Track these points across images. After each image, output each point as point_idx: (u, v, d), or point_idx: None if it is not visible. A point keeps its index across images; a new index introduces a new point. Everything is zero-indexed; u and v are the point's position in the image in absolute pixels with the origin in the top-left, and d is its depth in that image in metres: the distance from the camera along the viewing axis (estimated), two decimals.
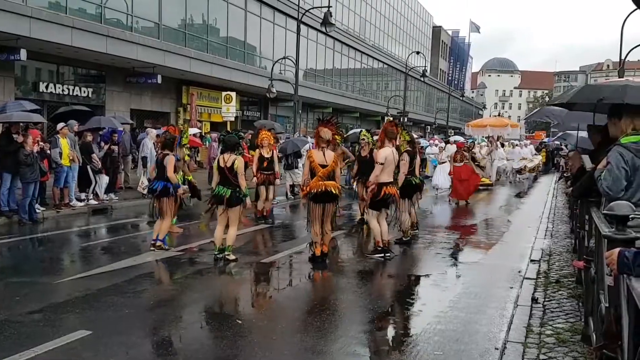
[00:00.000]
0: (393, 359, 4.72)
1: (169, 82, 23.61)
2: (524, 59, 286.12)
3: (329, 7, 23.01)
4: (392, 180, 8.38)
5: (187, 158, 10.37)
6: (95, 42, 17.70)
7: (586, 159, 5.91)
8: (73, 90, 19.61)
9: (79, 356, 4.47)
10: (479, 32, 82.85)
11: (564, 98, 5.88)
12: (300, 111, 26.34)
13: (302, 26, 25.10)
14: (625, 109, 4.25)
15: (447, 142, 22.12)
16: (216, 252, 7.79)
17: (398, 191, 8.69)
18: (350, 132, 20.03)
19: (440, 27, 72.78)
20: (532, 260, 8.16)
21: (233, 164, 7.66)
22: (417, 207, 10.30)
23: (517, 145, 26.14)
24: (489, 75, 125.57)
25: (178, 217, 10.17)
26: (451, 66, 77.51)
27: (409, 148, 9.62)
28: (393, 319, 5.87)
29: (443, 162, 17.84)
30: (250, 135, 16.69)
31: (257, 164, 11.43)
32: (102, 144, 13.40)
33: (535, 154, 27.87)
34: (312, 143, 13.28)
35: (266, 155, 11.41)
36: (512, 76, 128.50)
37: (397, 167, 9.04)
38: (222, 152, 8.00)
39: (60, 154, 11.61)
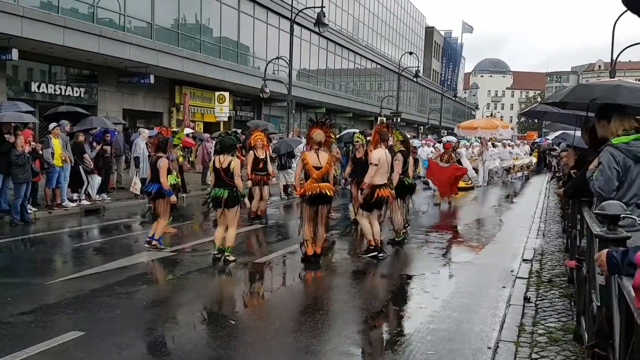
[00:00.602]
0: (386, 359, 4.74)
1: (162, 82, 23.54)
2: (518, 60, 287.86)
3: (322, 7, 23.04)
4: (385, 182, 8.39)
5: (180, 159, 10.35)
6: (88, 41, 17.63)
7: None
8: (65, 90, 19.51)
9: (71, 357, 4.45)
10: (472, 33, 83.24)
11: (556, 97, 5.91)
12: (293, 111, 26.34)
13: (295, 26, 25.10)
14: (614, 111, 4.28)
15: (440, 142, 22.17)
16: (215, 252, 7.79)
17: (393, 192, 8.71)
18: (344, 132, 20.05)
19: (433, 27, 72.97)
20: (524, 260, 8.20)
21: (229, 165, 7.66)
22: (410, 207, 10.31)
23: (508, 145, 26.24)
24: (482, 76, 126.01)
25: (172, 218, 10.15)
26: (444, 67, 77.75)
27: (402, 148, 9.65)
28: (386, 318, 5.88)
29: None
30: (244, 136, 16.68)
31: (251, 165, 11.43)
32: (95, 144, 13.34)
33: (526, 153, 28.01)
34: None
35: (260, 157, 11.41)
36: (504, 77, 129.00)
37: (391, 167, 9.07)
38: (217, 153, 8.00)
39: (53, 154, 11.56)
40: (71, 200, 12.40)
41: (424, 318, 5.61)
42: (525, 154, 27.96)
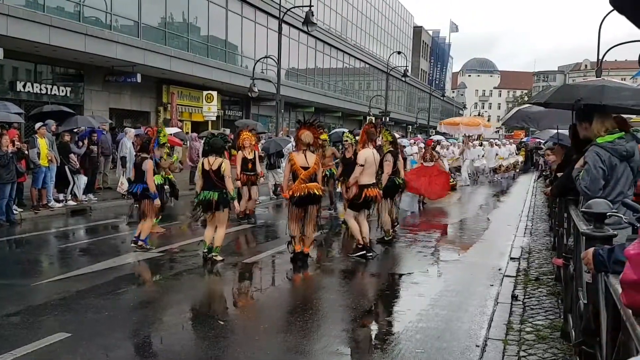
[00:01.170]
0: (376, 357, 4.74)
1: (149, 81, 23.38)
2: (507, 60, 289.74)
3: (310, 6, 23.00)
4: (373, 181, 8.40)
5: (166, 157, 10.28)
6: (74, 40, 17.46)
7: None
8: (51, 89, 19.32)
9: (58, 359, 4.41)
10: (457, 32, 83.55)
11: (542, 97, 5.95)
12: (282, 111, 26.26)
13: (283, 25, 25.03)
14: (595, 112, 4.31)
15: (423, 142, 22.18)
16: (205, 251, 7.74)
17: (381, 192, 8.72)
18: (332, 131, 20.05)
19: (421, 27, 73.18)
20: (511, 258, 8.26)
21: (220, 167, 7.60)
22: (398, 206, 10.33)
23: (495, 144, 26.41)
24: (469, 76, 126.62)
25: (161, 217, 10.10)
26: (432, 66, 78.01)
27: (391, 148, 9.65)
28: (375, 317, 5.89)
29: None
30: (231, 136, 16.63)
31: (240, 166, 11.39)
32: (80, 143, 13.20)
33: (512, 154, 28.15)
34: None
35: (249, 157, 11.38)
36: (491, 76, 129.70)
37: (381, 167, 9.08)
38: (205, 155, 7.94)
39: (39, 154, 11.45)
40: (57, 201, 12.29)
41: (413, 317, 5.62)
42: (511, 154, 28.13)
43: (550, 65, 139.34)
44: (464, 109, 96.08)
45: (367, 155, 8.28)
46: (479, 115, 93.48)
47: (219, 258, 7.70)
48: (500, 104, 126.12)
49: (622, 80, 7.35)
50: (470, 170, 22.56)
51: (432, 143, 17.28)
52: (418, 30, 71.59)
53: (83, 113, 18.50)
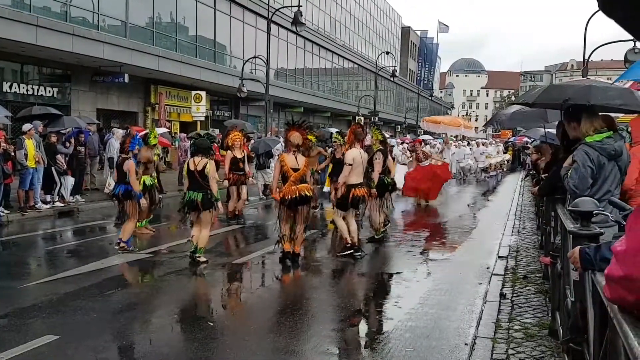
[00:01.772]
0: (365, 357, 4.75)
1: (137, 81, 23.25)
2: (494, 60, 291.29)
3: (299, 6, 23.00)
4: (361, 181, 8.43)
5: (156, 158, 10.23)
6: (61, 40, 17.31)
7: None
8: (38, 90, 19.14)
9: None
10: (447, 32, 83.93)
11: (529, 98, 5.99)
12: (271, 111, 26.23)
13: (272, 25, 24.99)
14: (583, 111, 4.35)
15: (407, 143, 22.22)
16: (192, 251, 7.70)
17: (369, 191, 8.74)
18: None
19: (409, 27, 73.40)
20: (499, 257, 8.31)
21: (204, 167, 7.57)
22: (389, 206, 10.35)
23: (482, 144, 26.56)
24: (457, 76, 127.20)
25: (151, 218, 10.05)
26: (420, 66, 78.27)
27: (381, 147, 9.68)
28: (365, 317, 5.91)
29: (404, 164, 17.32)
30: (220, 136, 16.57)
31: (229, 166, 11.37)
32: (67, 143, 13.09)
33: (499, 152, 28.34)
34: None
35: (238, 156, 11.37)
36: (479, 76, 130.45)
37: (371, 165, 9.11)
38: (192, 155, 7.92)
39: (26, 155, 11.34)
40: (45, 202, 12.18)
41: (402, 316, 5.64)
42: (498, 153, 28.30)
43: (537, 66, 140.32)
44: (452, 109, 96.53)
45: (355, 155, 8.31)
46: (466, 115, 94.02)
47: (203, 259, 7.63)
48: (487, 103, 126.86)
49: (608, 79, 7.43)
50: (456, 170, 22.66)
51: (416, 143, 17.28)
52: (406, 31, 71.82)
53: (70, 114, 18.32)
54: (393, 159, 11.85)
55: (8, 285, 6.55)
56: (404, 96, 68.39)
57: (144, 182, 9.06)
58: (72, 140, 13.16)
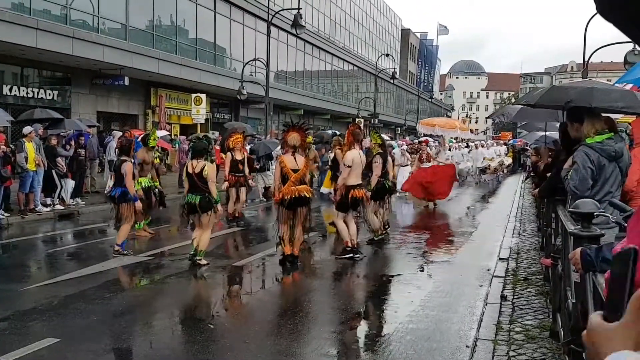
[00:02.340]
0: (366, 359, 4.74)
1: (137, 84, 23.26)
2: (494, 62, 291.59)
3: (298, 9, 23.02)
4: (359, 182, 8.43)
5: (157, 161, 10.23)
6: (61, 43, 17.33)
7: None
8: (38, 93, 19.16)
9: None
10: (447, 34, 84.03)
11: (531, 99, 5.99)
12: (271, 113, 26.24)
13: (272, 28, 25.01)
14: (586, 113, 4.35)
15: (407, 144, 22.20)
16: (192, 253, 7.68)
17: (368, 193, 8.74)
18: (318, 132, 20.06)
19: (409, 29, 73.45)
20: (500, 259, 8.29)
21: (202, 170, 7.56)
22: (389, 208, 10.35)
23: (482, 146, 26.55)
24: (457, 78, 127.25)
25: (150, 220, 10.05)
26: (420, 68, 78.33)
27: (380, 150, 9.68)
28: (366, 319, 5.90)
29: (405, 165, 17.31)
30: (220, 138, 16.58)
31: (229, 167, 11.39)
32: (68, 146, 13.09)
33: (499, 154, 28.29)
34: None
35: (238, 158, 11.39)
36: (479, 78, 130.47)
37: (370, 168, 9.11)
38: (192, 158, 7.92)
39: (26, 158, 11.34)
40: (45, 205, 12.18)
41: (403, 318, 5.63)
42: (499, 155, 28.26)
43: (537, 67, 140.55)
44: (452, 111, 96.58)
45: (354, 156, 8.34)
46: (466, 116, 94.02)
47: (204, 262, 7.61)
48: (487, 105, 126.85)
49: (607, 81, 7.44)
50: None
51: (423, 144, 17.26)
52: (406, 33, 71.86)
53: (70, 117, 18.31)
54: (393, 161, 11.85)
55: (8, 288, 6.55)
56: (404, 98, 68.40)
57: (140, 184, 9.06)
58: (73, 143, 13.17)
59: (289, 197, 7.64)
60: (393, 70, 44.11)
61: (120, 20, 21.38)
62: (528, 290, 6.44)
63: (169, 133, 21.64)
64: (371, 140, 9.82)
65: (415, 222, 13.11)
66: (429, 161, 15.32)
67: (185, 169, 7.83)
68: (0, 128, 12.60)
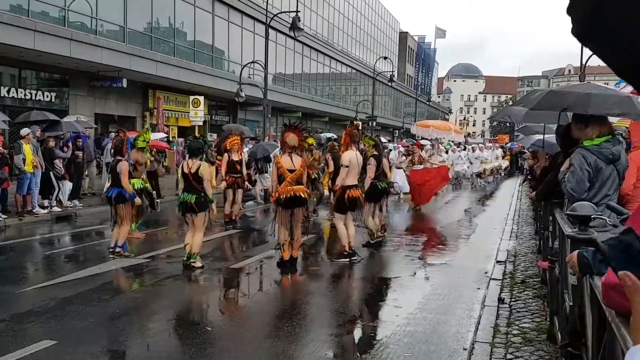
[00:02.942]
0: None
1: (135, 86, 23.25)
2: (491, 66, 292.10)
3: (297, 11, 23.04)
4: (356, 183, 8.45)
5: (148, 163, 10.20)
6: (59, 45, 17.31)
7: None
8: (36, 94, 19.14)
9: None
10: (444, 37, 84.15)
11: (529, 103, 6.00)
12: (269, 115, 26.25)
13: (270, 30, 25.03)
14: (593, 115, 4.36)
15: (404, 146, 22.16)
16: (185, 258, 7.67)
17: (363, 194, 8.74)
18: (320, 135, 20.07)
19: (407, 33, 73.57)
20: (498, 261, 8.31)
21: (198, 170, 7.56)
22: (385, 210, 10.35)
23: (479, 148, 26.57)
24: (454, 81, 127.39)
25: (143, 223, 10.02)
26: (418, 71, 78.46)
27: (375, 152, 9.68)
28: (363, 321, 5.89)
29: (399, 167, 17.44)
30: (217, 140, 16.57)
31: (225, 168, 11.40)
32: (65, 148, 13.07)
33: (497, 157, 28.30)
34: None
35: (235, 159, 11.41)
36: (476, 81, 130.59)
37: (364, 170, 9.11)
38: (187, 158, 7.92)
39: (24, 160, 11.32)
40: (42, 207, 12.15)
41: (400, 320, 5.63)
42: (497, 158, 28.28)
43: (534, 70, 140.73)
44: (450, 114, 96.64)
45: (351, 156, 8.38)
46: (464, 119, 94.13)
47: (198, 264, 7.57)
48: (485, 108, 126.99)
49: (604, 84, 7.45)
50: (451, 175, 22.63)
51: (415, 147, 17.23)
52: (404, 36, 71.98)
53: None
54: (389, 162, 11.86)
55: (5, 290, 6.53)
56: (401, 101, 68.48)
57: (133, 185, 9.03)
58: (70, 145, 13.16)
59: (284, 196, 7.64)
60: (391, 73, 44.09)
61: (119, 23, 21.38)
62: (525, 293, 6.45)
63: (166, 135, 21.63)
64: (364, 145, 9.80)
65: (413, 225, 13.11)
66: (421, 163, 15.36)
67: (181, 168, 7.82)
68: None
